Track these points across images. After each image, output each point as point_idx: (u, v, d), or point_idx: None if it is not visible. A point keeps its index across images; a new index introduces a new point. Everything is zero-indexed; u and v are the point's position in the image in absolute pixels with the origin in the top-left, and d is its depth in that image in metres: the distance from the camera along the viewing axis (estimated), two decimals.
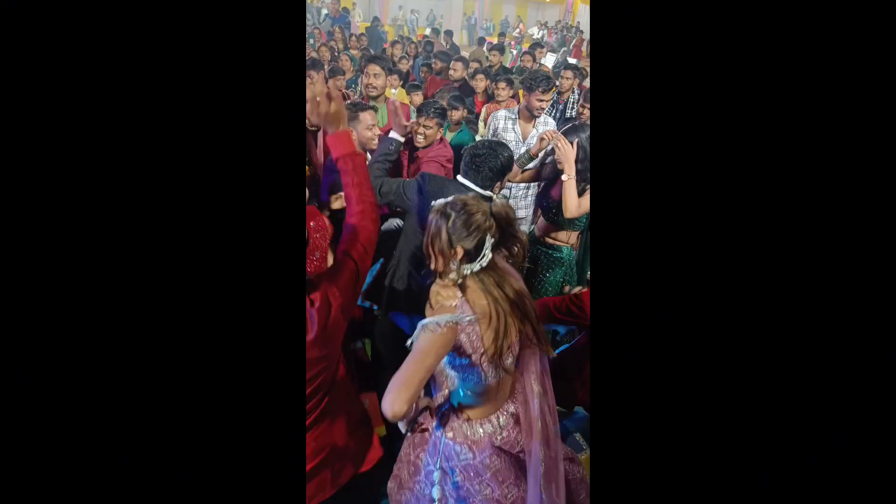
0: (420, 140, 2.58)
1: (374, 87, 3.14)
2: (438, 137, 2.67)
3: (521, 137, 2.91)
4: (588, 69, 5.63)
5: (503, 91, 3.79)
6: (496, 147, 1.86)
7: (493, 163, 1.82)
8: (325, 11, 10.45)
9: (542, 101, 2.76)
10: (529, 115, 2.87)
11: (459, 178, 1.90)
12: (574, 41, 12.03)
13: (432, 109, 2.55)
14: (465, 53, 7.05)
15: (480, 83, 4.43)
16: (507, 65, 7.19)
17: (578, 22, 14.46)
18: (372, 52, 6.84)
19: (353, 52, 6.66)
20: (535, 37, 13.51)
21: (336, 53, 5.99)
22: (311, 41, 7.53)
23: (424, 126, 2.56)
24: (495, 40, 9.13)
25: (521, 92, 3.73)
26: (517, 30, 16.04)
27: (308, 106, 1.26)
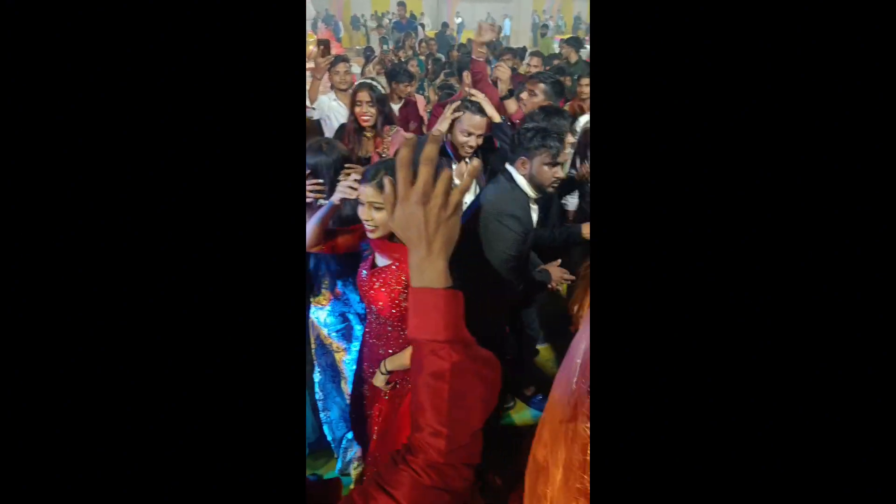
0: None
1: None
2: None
3: None
4: None
5: (587, 88, 3.38)
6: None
7: None
8: (391, 20, 10.44)
9: None
10: None
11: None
12: None
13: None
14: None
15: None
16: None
17: None
18: (442, 57, 6.63)
19: (422, 57, 6.51)
20: None
21: (404, 61, 5.84)
22: (385, 47, 7.47)
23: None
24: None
25: None
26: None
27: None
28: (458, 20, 13.18)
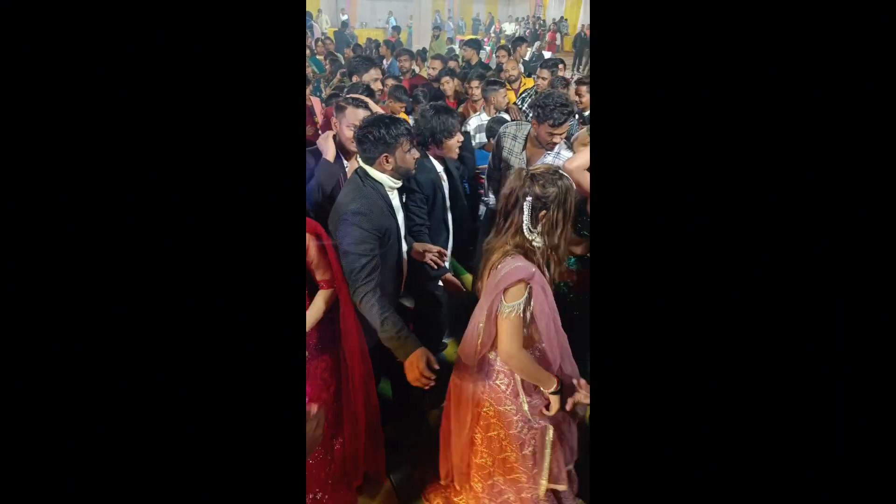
0: None
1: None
2: None
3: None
4: (566, 62, 5.41)
5: (476, 90, 3.51)
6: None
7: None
8: None
9: (553, 135, 2.20)
10: (539, 145, 2.34)
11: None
12: (547, 34, 11.82)
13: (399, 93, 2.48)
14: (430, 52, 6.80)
15: (448, 85, 4.09)
16: (484, 61, 6.91)
17: (553, 18, 14.20)
18: (339, 56, 6.51)
19: (319, 57, 6.35)
20: (508, 33, 13.27)
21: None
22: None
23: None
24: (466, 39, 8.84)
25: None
26: (492, 28, 15.77)
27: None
28: (344, 17, 12.96)
